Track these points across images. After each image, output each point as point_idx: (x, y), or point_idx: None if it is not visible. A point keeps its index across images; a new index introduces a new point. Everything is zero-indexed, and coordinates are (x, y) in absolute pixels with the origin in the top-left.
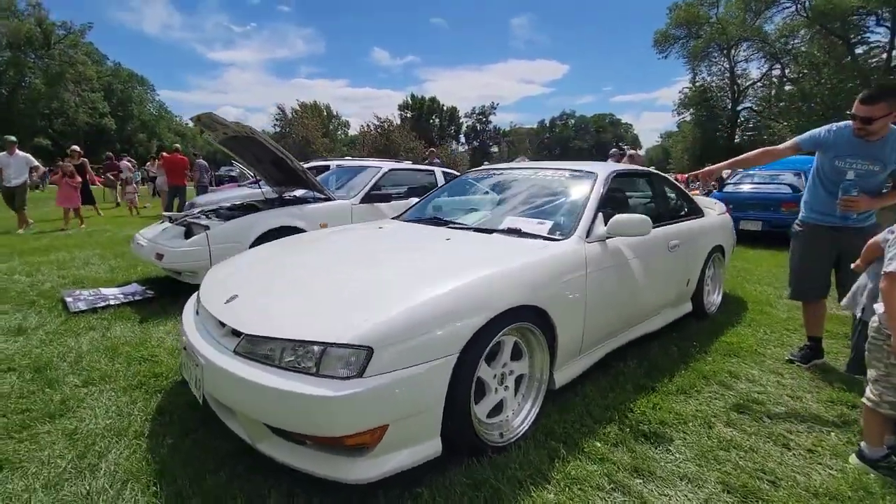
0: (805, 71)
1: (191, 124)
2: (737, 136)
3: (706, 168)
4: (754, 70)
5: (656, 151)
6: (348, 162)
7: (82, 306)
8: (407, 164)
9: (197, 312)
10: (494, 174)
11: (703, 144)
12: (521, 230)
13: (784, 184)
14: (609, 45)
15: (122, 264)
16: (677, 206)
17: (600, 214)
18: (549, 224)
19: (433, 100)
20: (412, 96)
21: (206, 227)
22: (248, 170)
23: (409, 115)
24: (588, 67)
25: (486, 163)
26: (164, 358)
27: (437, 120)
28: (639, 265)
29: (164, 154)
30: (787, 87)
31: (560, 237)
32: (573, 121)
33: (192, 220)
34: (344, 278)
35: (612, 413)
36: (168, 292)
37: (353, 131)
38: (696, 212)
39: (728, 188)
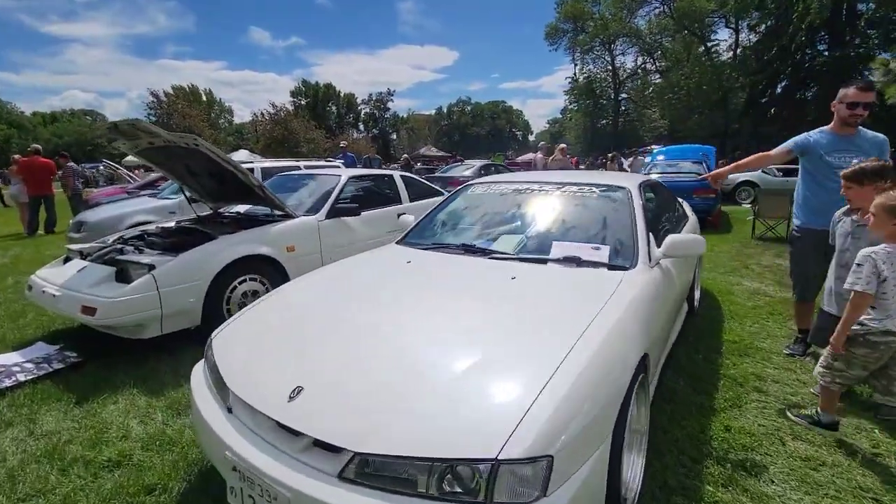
0: (670, 65)
1: (26, 112)
2: (619, 124)
3: (714, 171)
4: (630, 63)
5: (545, 137)
6: (270, 163)
7: None
8: (366, 170)
9: (229, 410)
10: (507, 188)
11: (593, 132)
12: (580, 259)
13: (689, 172)
14: (494, 32)
15: None
16: (680, 211)
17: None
18: (605, 250)
19: (329, 86)
20: (304, 82)
21: (149, 266)
22: (175, 180)
23: (303, 103)
24: (477, 54)
25: (402, 155)
26: (146, 457)
27: (333, 108)
28: (675, 278)
29: (19, 157)
30: (657, 80)
31: (626, 264)
32: (469, 108)
33: (122, 258)
34: (439, 346)
35: (699, 446)
36: (97, 351)
37: (237, 119)
38: (685, 212)
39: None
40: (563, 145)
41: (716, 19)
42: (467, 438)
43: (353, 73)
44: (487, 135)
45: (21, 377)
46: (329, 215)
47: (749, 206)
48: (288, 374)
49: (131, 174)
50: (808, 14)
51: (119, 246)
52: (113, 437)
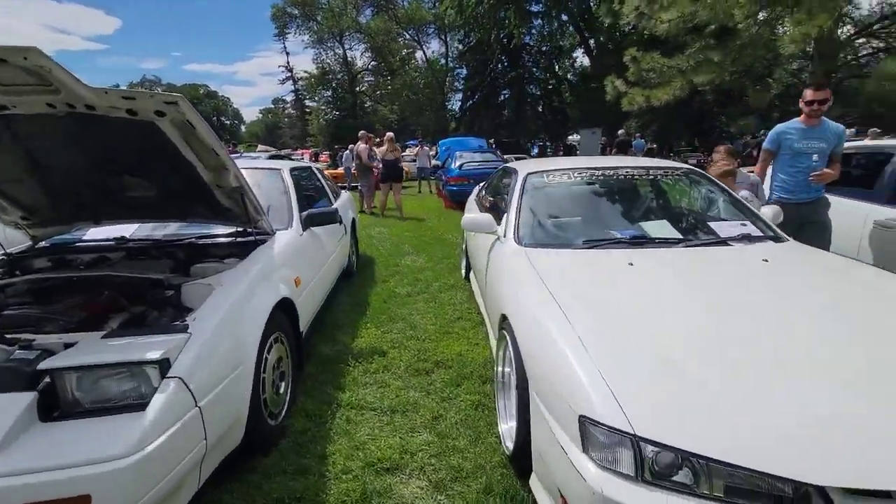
0: (398, 64)
1: None
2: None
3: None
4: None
5: (259, 127)
6: None
7: None
8: (298, 162)
9: None
10: (571, 177)
11: (337, 124)
12: (750, 235)
13: (491, 160)
14: (168, 4)
15: None
16: None
17: None
18: (748, 224)
19: None
20: None
21: (154, 363)
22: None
23: None
24: (148, 26)
25: None
26: None
27: None
28: None
29: None
30: (387, 77)
31: (773, 234)
32: (160, 88)
33: (17, 358)
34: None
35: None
36: None
37: None
38: None
39: (465, 167)
40: (390, 134)
41: (431, 30)
42: None
43: None
44: None
45: None
46: (306, 225)
47: None
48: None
49: None
50: (499, 42)
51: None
52: None
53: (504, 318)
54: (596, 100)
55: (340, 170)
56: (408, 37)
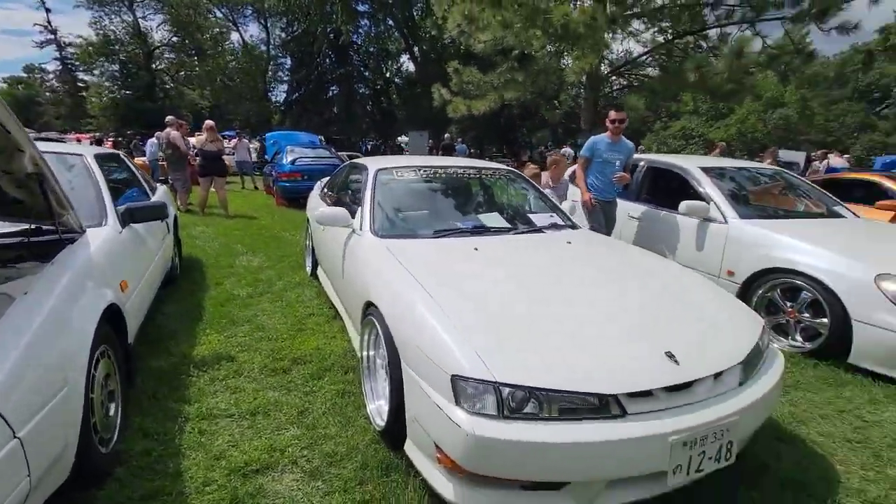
0: (209, 45)
1: None
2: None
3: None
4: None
5: (7, 98)
6: None
7: None
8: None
9: (622, 414)
10: (417, 174)
11: (129, 105)
12: (557, 224)
13: (326, 157)
14: None
15: None
16: None
17: None
18: (555, 216)
19: None
20: None
21: None
22: None
23: None
24: None
25: None
26: None
27: None
28: None
29: None
30: (194, 57)
31: (571, 224)
32: None
33: None
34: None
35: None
36: None
37: None
38: None
39: (298, 162)
40: (210, 122)
41: (249, 12)
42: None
43: None
44: None
45: None
46: (125, 222)
47: None
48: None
49: None
50: (327, 36)
51: None
52: None
53: (369, 304)
54: (422, 104)
55: (141, 160)
56: (220, 15)
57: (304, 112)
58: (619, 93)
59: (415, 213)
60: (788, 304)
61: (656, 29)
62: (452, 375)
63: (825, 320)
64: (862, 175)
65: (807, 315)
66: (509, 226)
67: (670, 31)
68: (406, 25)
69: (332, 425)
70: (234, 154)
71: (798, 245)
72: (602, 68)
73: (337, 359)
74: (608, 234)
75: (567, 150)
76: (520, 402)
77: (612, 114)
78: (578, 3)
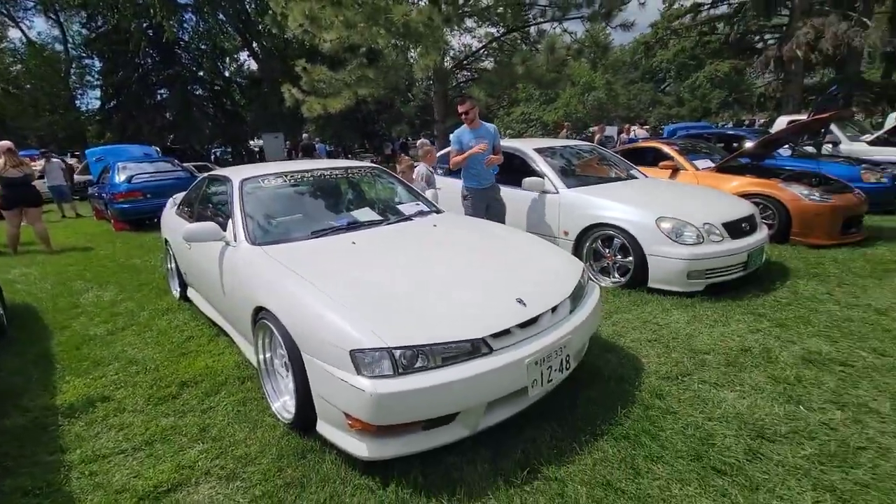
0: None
1: None
2: None
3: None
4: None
5: None
6: None
7: None
8: None
9: (490, 351)
10: (285, 180)
11: None
12: (423, 211)
13: (168, 170)
14: None
15: None
16: None
17: None
18: (420, 203)
19: None
20: None
21: None
22: None
23: None
24: None
25: None
26: None
27: None
28: None
29: None
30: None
31: (436, 209)
32: None
33: None
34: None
35: None
36: None
37: None
38: None
39: (136, 179)
40: (7, 143)
41: (31, 4)
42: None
43: None
44: None
45: None
46: None
47: None
48: (499, 296)
49: None
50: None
51: None
52: None
53: (259, 309)
54: (270, 104)
55: None
56: None
57: (129, 120)
58: (465, 85)
59: (289, 217)
60: (607, 250)
61: (488, 25)
62: (351, 350)
63: (630, 258)
64: (649, 143)
65: (619, 256)
66: (381, 218)
67: (500, 27)
68: (241, 21)
69: (239, 432)
70: (44, 179)
71: (608, 204)
72: (447, 63)
73: (231, 372)
74: (501, 220)
75: (424, 140)
76: (410, 359)
77: (459, 108)
78: (415, 3)
